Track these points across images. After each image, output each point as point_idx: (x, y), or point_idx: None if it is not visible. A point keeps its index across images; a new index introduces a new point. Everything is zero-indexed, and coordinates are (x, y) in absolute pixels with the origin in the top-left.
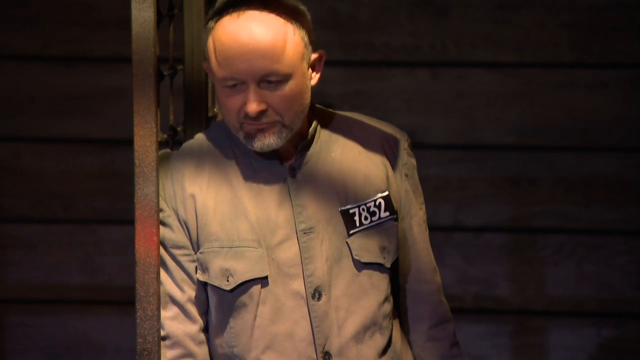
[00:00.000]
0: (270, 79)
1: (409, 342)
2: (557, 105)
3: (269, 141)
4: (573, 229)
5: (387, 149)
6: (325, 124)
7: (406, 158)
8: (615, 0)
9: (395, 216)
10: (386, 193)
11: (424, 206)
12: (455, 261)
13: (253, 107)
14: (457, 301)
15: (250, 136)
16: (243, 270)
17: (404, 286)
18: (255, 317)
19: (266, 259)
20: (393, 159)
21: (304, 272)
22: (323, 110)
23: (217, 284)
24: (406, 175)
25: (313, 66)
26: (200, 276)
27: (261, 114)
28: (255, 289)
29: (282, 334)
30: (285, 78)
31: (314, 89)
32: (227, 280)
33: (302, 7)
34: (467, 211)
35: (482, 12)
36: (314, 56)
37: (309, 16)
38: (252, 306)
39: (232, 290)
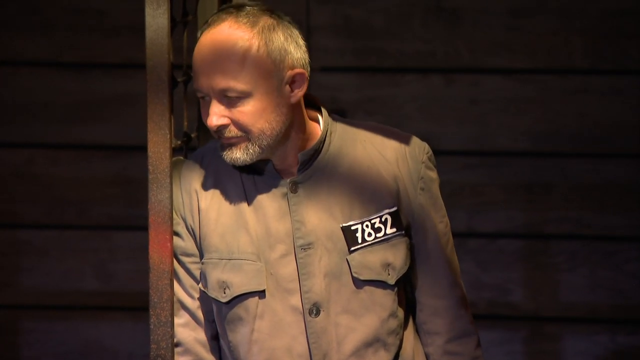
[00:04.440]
0: (228, 94)
1: (427, 356)
2: (570, 112)
3: (235, 156)
4: (587, 235)
5: (402, 162)
6: (336, 136)
7: (423, 171)
8: (629, 7)
9: (403, 232)
10: (394, 209)
11: (445, 219)
12: (469, 267)
13: (211, 120)
14: (471, 307)
15: (222, 148)
16: (240, 283)
17: (419, 300)
18: (253, 330)
19: (264, 273)
20: (407, 173)
21: (301, 287)
22: (336, 121)
23: (214, 295)
24: (422, 189)
25: (292, 83)
26: (201, 286)
27: (222, 128)
28: (252, 302)
29: (280, 349)
30: (244, 95)
31: (326, 95)
32: (224, 293)
33: (284, 23)
34: (481, 217)
35: (495, 18)
36: (289, 73)
37: (291, 31)
38: (249, 320)
39: (228, 303)
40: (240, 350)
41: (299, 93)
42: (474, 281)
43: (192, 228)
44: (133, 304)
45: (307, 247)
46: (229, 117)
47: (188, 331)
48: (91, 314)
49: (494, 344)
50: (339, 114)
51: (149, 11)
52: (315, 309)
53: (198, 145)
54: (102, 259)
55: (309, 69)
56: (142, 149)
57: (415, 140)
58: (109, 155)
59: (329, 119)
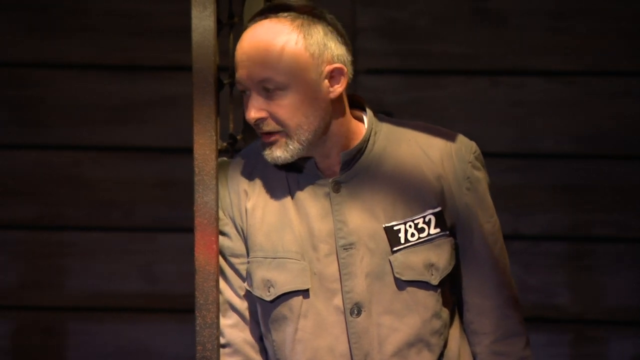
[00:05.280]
0: (267, 86)
1: (474, 356)
2: (615, 114)
3: (276, 154)
4: (632, 238)
5: (447, 162)
6: (381, 136)
7: (469, 171)
8: None
9: (447, 232)
10: (438, 209)
11: (492, 219)
12: (514, 270)
13: (250, 113)
14: None
15: (263, 148)
16: (284, 282)
17: (466, 300)
18: (297, 330)
19: (308, 272)
20: (452, 173)
21: (342, 287)
22: (381, 120)
23: (258, 294)
24: (468, 189)
25: (331, 79)
26: (246, 285)
27: (261, 121)
28: (296, 301)
29: (323, 348)
30: (282, 87)
31: (371, 97)
32: (268, 291)
33: (325, 19)
34: (525, 220)
35: (540, 20)
36: (328, 68)
37: (333, 28)
38: (293, 319)
39: (272, 302)
40: (284, 349)
41: (339, 89)
42: (518, 283)
43: (240, 228)
44: (178, 306)
45: (349, 247)
46: (267, 111)
47: (237, 332)
48: (136, 316)
49: (539, 346)
50: (386, 115)
51: (195, 13)
52: (356, 309)
53: (244, 147)
54: (147, 261)
55: (350, 67)
56: (187, 151)
57: (462, 139)
58: (154, 157)
59: (374, 119)
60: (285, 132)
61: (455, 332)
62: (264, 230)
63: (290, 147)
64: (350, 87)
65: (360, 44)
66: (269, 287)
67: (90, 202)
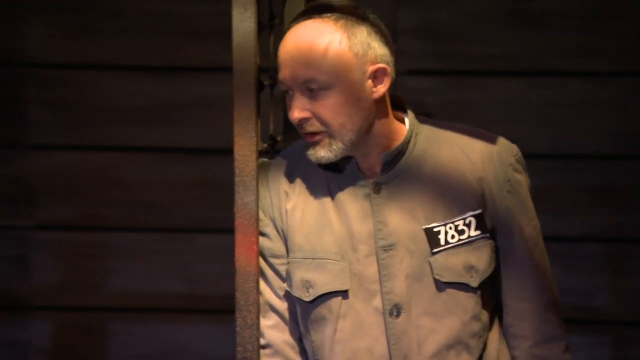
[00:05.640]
0: (310, 86)
1: (513, 359)
2: None
3: (319, 154)
4: None
5: (488, 164)
6: (421, 138)
7: (510, 174)
8: None
9: (487, 235)
10: (478, 211)
11: (533, 222)
12: (553, 271)
13: (293, 113)
14: None
15: (307, 147)
16: (323, 283)
17: (505, 303)
18: (336, 330)
19: (348, 273)
20: (493, 175)
21: (382, 288)
22: (422, 122)
23: (297, 294)
24: (508, 192)
25: (374, 79)
26: (285, 286)
27: (304, 121)
28: (335, 302)
29: (362, 349)
30: (325, 87)
31: (411, 98)
32: (307, 292)
33: (369, 19)
34: (564, 221)
35: (578, 21)
36: (371, 68)
37: (376, 28)
38: (332, 320)
39: (311, 302)
40: (323, 350)
41: (382, 89)
42: (558, 285)
43: (280, 229)
44: (217, 307)
45: (388, 248)
46: (310, 111)
47: (277, 333)
48: (175, 317)
49: (578, 348)
50: (426, 116)
51: (235, 15)
52: (396, 310)
53: (284, 148)
54: (187, 262)
55: (393, 67)
56: (227, 151)
57: (503, 141)
58: (194, 158)
59: (415, 120)
60: (328, 132)
61: (494, 335)
62: (303, 231)
63: (334, 147)
64: (390, 88)
65: (401, 45)
66: (308, 288)
67: (130, 203)
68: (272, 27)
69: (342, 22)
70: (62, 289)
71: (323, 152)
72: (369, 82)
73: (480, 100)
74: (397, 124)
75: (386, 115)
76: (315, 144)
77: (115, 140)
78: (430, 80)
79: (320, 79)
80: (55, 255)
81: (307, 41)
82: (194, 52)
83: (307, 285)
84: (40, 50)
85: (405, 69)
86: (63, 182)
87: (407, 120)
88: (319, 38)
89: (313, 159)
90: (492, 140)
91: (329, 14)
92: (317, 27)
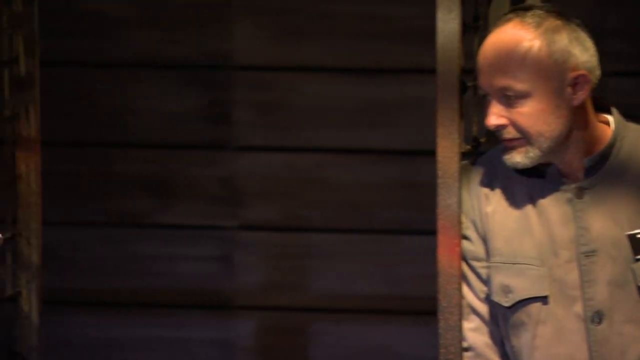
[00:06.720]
0: (507, 93)
1: None
2: None
3: (515, 160)
4: None
5: None
6: (627, 141)
7: None
8: None
9: None
10: None
11: None
12: None
13: (489, 120)
14: None
15: (504, 152)
16: (522, 288)
17: None
18: (535, 336)
19: (547, 279)
20: None
21: (584, 295)
22: (627, 125)
23: (497, 299)
24: None
25: (574, 86)
26: (486, 289)
27: (501, 128)
28: (534, 308)
29: (563, 356)
30: (523, 95)
31: (617, 100)
32: (507, 297)
33: (571, 25)
34: None
35: None
36: (571, 75)
37: (578, 33)
38: (531, 325)
39: (510, 307)
40: (523, 355)
41: (582, 96)
42: None
43: (481, 232)
44: (420, 308)
45: (590, 254)
46: (507, 118)
47: (479, 336)
48: (377, 318)
49: None
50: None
51: (440, 16)
52: (597, 317)
53: (487, 151)
54: (389, 263)
55: (595, 73)
56: (431, 153)
57: None
58: (398, 159)
59: (621, 124)
60: (525, 139)
61: None
62: (503, 235)
63: (531, 154)
64: (596, 90)
65: (606, 46)
66: (507, 293)
67: (334, 204)
68: (477, 28)
69: (542, 28)
70: (266, 289)
71: (519, 158)
72: (569, 89)
73: None
74: (600, 127)
75: (587, 121)
76: (512, 149)
77: (320, 142)
78: (628, 82)
79: (517, 87)
80: (259, 255)
81: (505, 48)
82: (399, 54)
83: (507, 290)
84: (246, 53)
85: (611, 70)
86: (267, 183)
87: (612, 123)
88: (518, 45)
89: (509, 164)
90: None
91: (530, 19)
92: (517, 33)
